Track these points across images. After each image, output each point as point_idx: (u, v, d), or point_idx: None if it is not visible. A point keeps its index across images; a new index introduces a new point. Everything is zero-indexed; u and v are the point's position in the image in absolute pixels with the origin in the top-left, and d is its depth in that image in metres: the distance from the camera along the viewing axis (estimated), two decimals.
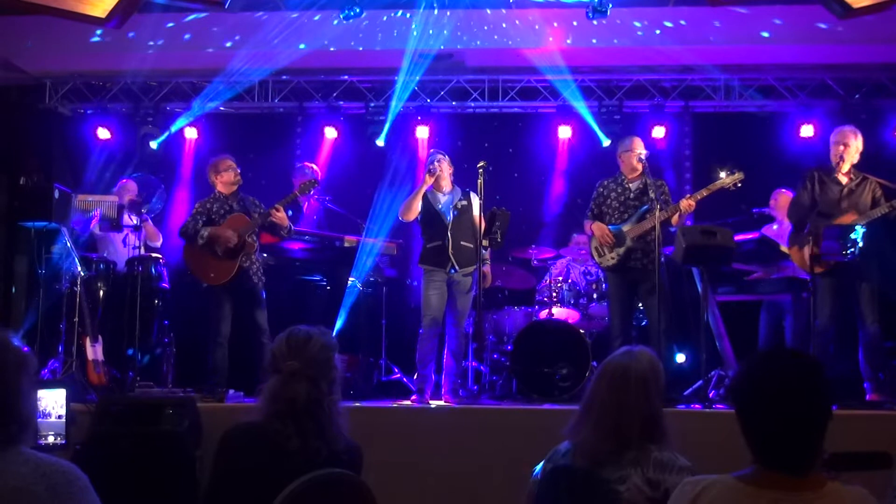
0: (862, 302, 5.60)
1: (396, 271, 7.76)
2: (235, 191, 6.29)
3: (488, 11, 7.30)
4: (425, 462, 4.96)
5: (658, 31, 7.16)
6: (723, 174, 5.83)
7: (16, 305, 8.09)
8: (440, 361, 6.10)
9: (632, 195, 6.05)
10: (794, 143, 7.68)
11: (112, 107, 8.33)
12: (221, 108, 8.21)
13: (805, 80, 7.84)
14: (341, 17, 6.85)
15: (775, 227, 6.72)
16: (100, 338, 6.34)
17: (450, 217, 6.10)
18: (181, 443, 4.82)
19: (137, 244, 6.62)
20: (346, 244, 7.24)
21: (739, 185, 5.81)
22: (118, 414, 4.98)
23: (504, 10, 7.26)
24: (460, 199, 6.20)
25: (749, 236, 6.63)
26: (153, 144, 8.14)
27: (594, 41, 7.31)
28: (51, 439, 4.30)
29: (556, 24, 7.24)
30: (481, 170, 5.97)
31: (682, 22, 7.18)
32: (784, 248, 6.32)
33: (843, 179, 5.78)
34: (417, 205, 6.12)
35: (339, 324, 6.85)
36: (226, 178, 6.26)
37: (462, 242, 6.08)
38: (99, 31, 7.27)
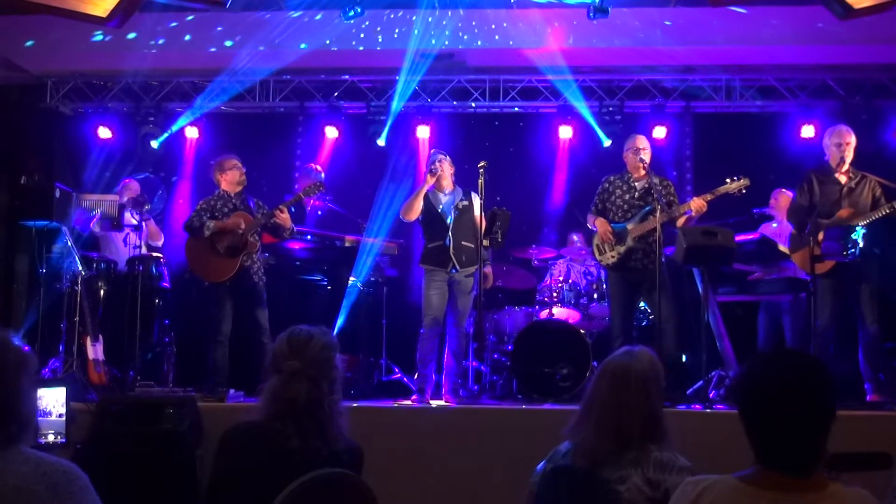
0: (862, 302, 5.60)
1: (397, 271, 7.76)
2: (240, 191, 6.30)
3: (489, 11, 7.29)
4: (426, 462, 4.97)
5: (659, 32, 7.15)
6: (728, 180, 5.83)
7: (16, 305, 8.09)
8: (441, 361, 6.10)
9: (637, 195, 6.05)
10: (795, 143, 7.68)
11: (113, 106, 8.33)
12: (222, 108, 8.21)
13: (806, 81, 7.83)
14: (342, 16, 6.85)
15: (774, 225, 6.72)
16: (100, 337, 6.35)
17: (451, 217, 6.11)
18: (181, 442, 4.83)
19: (138, 243, 6.63)
20: (347, 244, 7.25)
21: (744, 191, 5.83)
22: (118, 413, 4.98)
23: (505, 10, 7.26)
24: (461, 199, 6.20)
25: (750, 237, 6.63)
26: (154, 144, 8.15)
27: (595, 41, 7.30)
28: (51, 438, 4.31)
29: (557, 24, 7.23)
30: (482, 170, 5.97)
31: (684, 22, 7.17)
32: (782, 248, 6.33)
33: (843, 178, 5.78)
34: (419, 205, 6.12)
35: (339, 323, 6.85)
36: (230, 177, 6.26)
37: (463, 242, 6.08)
38: (100, 31, 7.27)
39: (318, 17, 7.25)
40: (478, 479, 4.83)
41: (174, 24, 7.42)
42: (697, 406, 5.39)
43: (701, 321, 5.71)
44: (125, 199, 6.98)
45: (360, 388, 6.54)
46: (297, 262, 7.35)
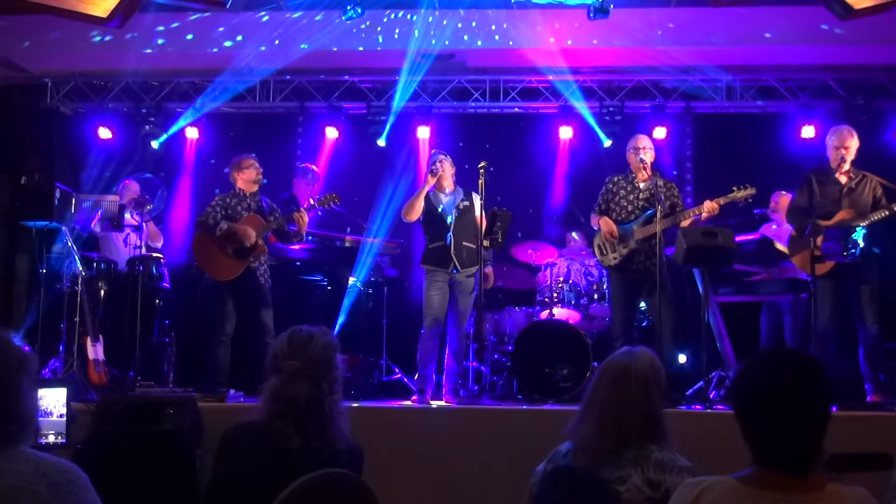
0: (862, 303, 5.60)
1: (397, 271, 7.76)
2: (255, 191, 6.32)
3: (490, 12, 7.30)
4: (426, 462, 4.96)
5: (659, 32, 7.16)
6: (735, 188, 5.84)
7: (16, 305, 8.09)
8: (441, 361, 6.10)
9: (641, 196, 6.04)
10: (796, 144, 7.67)
11: (113, 106, 8.33)
12: (223, 108, 8.21)
13: (806, 81, 7.83)
14: (343, 17, 6.85)
15: (774, 226, 6.73)
16: (100, 337, 6.35)
17: (452, 217, 6.11)
18: (182, 442, 4.83)
19: (138, 244, 6.64)
20: (347, 244, 7.25)
21: (750, 200, 5.83)
22: (119, 413, 4.97)
23: (505, 11, 7.26)
24: (462, 200, 6.20)
25: (750, 237, 6.64)
26: (154, 144, 8.15)
27: (595, 42, 7.30)
28: (51, 438, 4.31)
29: (557, 25, 7.23)
30: (482, 170, 5.98)
31: (684, 22, 7.18)
32: (781, 247, 6.33)
33: (843, 178, 5.78)
34: (420, 205, 6.12)
35: (339, 323, 6.85)
36: (247, 176, 6.28)
37: (464, 243, 6.09)
38: (100, 31, 7.27)
39: (319, 17, 7.25)
40: (478, 480, 4.83)
41: (174, 24, 7.43)
42: (698, 406, 5.39)
43: (701, 322, 5.71)
44: (125, 199, 6.99)
45: (360, 388, 6.53)
46: (298, 263, 7.35)
